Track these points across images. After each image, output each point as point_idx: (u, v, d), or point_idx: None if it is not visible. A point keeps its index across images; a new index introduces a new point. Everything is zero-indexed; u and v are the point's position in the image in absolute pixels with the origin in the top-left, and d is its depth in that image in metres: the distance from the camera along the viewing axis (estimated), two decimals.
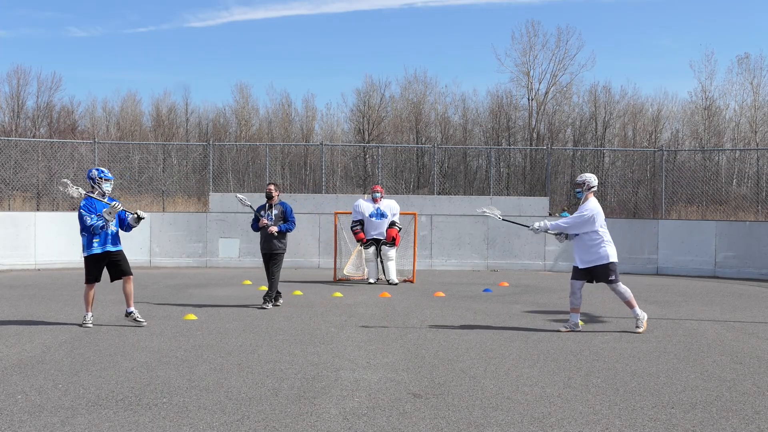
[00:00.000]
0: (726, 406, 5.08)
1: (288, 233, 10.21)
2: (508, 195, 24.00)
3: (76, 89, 71.99)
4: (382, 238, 13.13)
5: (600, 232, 8.15)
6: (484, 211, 9.03)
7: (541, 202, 17.24)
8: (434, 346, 7.18)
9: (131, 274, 8.37)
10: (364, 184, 26.81)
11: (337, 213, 14.53)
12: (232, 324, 8.41)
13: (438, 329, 8.20)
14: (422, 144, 34.20)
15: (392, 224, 13.21)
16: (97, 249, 8.13)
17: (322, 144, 19.11)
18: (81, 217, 8.07)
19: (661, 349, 7.12)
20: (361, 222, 13.20)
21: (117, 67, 58.92)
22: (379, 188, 13.37)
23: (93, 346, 6.98)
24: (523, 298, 11.42)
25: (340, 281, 13.55)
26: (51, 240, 15.76)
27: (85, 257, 8.19)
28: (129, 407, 4.90)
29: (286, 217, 10.15)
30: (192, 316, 8.80)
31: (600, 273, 8.14)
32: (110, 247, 8.21)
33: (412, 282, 13.60)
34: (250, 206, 10.51)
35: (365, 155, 30.54)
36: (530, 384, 5.64)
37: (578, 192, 8.40)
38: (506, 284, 13.44)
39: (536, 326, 8.50)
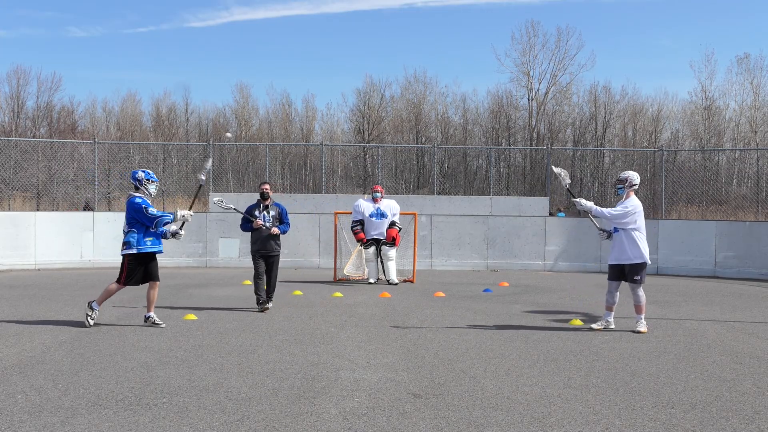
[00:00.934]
0: (726, 406, 5.08)
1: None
2: (508, 195, 24.00)
3: (76, 89, 72.15)
4: (382, 238, 13.13)
5: (639, 231, 8.23)
6: (559, 173, 8.90)
7: (541, 202, 17.24)
8: (434, 346, 7.18)
9: (159, 280, 8.36)
10: (364, 184, 26.82)
11: (337, 213, 14.53)
12: (232, 324, 8.41)
13: (438, 329, 8.20)
14: (422, 144, 34.20)
15: (392, 224, 13.21)
16: (150, 247, 8.10)
17: (322, 144, 19.11)
18: (142, 209, 7.98)
19: (661, 349, 7.12)
20: (361, 222, 13.20)
21: (117, 67, 59.02)
22: (379, 188, 13.37)
23: (93, 346, 6.98)
24: (523, 298, 11.42)
25: (340, 281, 13.55)
26: (51, 240, 15.76)
27: (132, 254, 8.06)
28: (129, 407, 4.90)
29: (282, 219, 10.06)
30: (192, 316, 8.80)
31: (632, 270, 8.21)
32: (159, 247, 8.23)
33: (412, 282, 13.60)
34: (233, 208, 10.23)
35: (365, 155, 30.56)
36: (530, 384, 5.64)
37: (620, 188, 8.45)
38: (506, 284, 13.44)
39: (536, 326, 8.50)
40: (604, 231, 8.68)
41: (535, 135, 35.91)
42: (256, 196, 16.98)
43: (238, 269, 16.00)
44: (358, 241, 13.28)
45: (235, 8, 60.56)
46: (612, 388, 5.55)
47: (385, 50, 58.97)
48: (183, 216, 8.26)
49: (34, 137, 33.73)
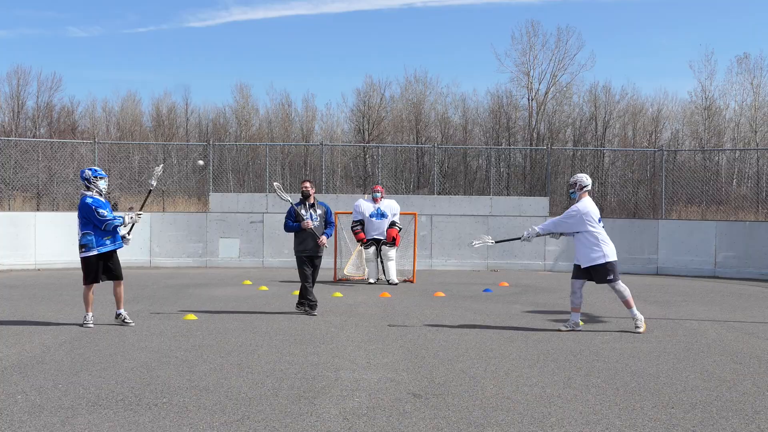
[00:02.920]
0: (726, 406, 5.08)
1: None
2: (508, 195, 24.00)
3: (76, 89, 72.07)
4: (382, 238, 13.13)
5: (594, 233, 8.11)
6: (474, 244, 9.02)
7: (541, 202, 17.24)
8: (434, 346, 7.18)
9: (122, 278, 8.39)
10: (364, 184, 26.81)
11: (337, 213, 14.50)
12: (232, 324, 8.41)
13: (438, 329, 8.20)
14: (422, 144, 34.19)
15: (392, 224, 13.21)
16: (110, 246, 8.13)
17: (322, 144, 19.11)
18: (92, 210, 7.96)
19: (661, 349, 7.12)
20: (361, 222, 13.21)
21: (117, 67, 58.96)
22: (379, 188, 13.38)
23: (93, 346, 6.98)
24: (523, 298, 11.42)
25: (340, 281, 13.55)
26: (51, 240, 15.76)
27: (89, 256, 8.07)
28: (129, 407, 4.90)
29: (327, 218, 9.58)
30: (192, 316, 8.80)
31: (598, 273, 8.13)
32: (118, 245, 8.26)
33: (412, 282, 13.60)
34: (289, 200, 9.43)
35: (365, 155, 30.55)
36: (530, 384, 5.64)
37: (572, 193, 8.40)
38: (506, 284, 13.44)
39: (536, 326, 8.50)
40: (552, 234, 8.57)
41: (535, 135, 35.89)
42: (257, 197, 17.12)
43: (238, 269, 16.00)
44: (358, 241, 13.28)
45: (235, 8, 60.53)
46: (612, 388, 5.55)
47: (385, 50, 58.95)
48: (132, 218, 8.26)
49: (34, 137, 33.73)
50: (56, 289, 11.88)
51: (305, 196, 9.47)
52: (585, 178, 8.36)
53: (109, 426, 4.50)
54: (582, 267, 8.21)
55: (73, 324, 8.25)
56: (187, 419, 4.65)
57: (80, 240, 8.09)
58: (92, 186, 8.15)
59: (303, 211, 9.34)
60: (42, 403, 4.99)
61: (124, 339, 7.39)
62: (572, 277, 8.34)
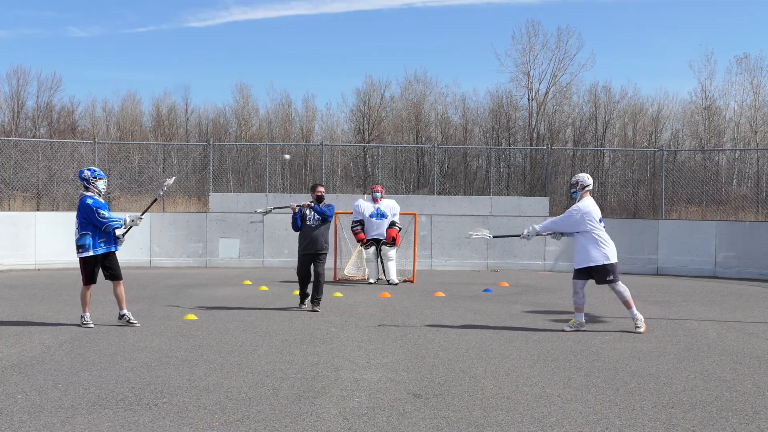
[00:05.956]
0: (726, 406, 5.08)
1: (325, 229, 9.98)
2: (508, 195, 23.99)
3: (76, 89, 72.08)
4: (382, 238, 13.13)
5: (594, 233, 8.09)
6: (471, 235, 9.01)
7: (541, 202, 17.24)
8: (434, 346, 7.18)
9: (122, 278, 8.37)
10: (364, 184, 26.80)
11: (337, 213, 14.50)
12: (232, 324, 8.41)
13: (438, 329, 8.20)
14: (422, 144, 34.18)
15: (392, 224, 13.21)
16: (105, 248, 8.12)
17: (322, 144, 19.11)
18: (94, 211, 7.96)
19: (661, 349, 7.12)
20: (361, 222, 13.21)
21: (117, 67, 58.92)
22: (379, 188, 13.38)
23: (93, 346, 6.98)
24: (523, 298, 11.42)
25: (340, 281, 13.55)
26: (51, 240, 15.76)
27: (86, 257, 8.08)
28: (129, 407, 4.90)
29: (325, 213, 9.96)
30: (192, 316, 8.79)
31: (598, 274, 8.13)
32: (113, 247, 8.23)
33: (412, 282, 13.60)
34: (273, 208, 10.78)
35: (365, 155, 30.54)
36: (530, 384, 5.64)
37: (573, 192, 8.39)
38: (506, 284, 13.44)
39: (536, 326, 8.50)
40: (553, 234, 8.57)
41: (535, 135, 35.87)
42: (257, 197, 17.12)
43: (238, 269, 16.00)
44: (358, 241, 13.28)
45: (235, 8, 60.50)
46: (612, 388, 5.55)
47: (385, 50, 58.91)
48: (132, 221, 8.25)
49: (34, 137, 33.72)
50: (56, 289, 11.88)
51: (319, 201, 10.00)
52: (586, 178, 8.35)
53: (109, 426, 4.50)
54: (582, 268, 8.21)
55: (73, 324, 8.25)
56: (187, 419, 4.65)
57: (77, 240, 8.08)
58: (91, 186, 8.14)
59: (308, 212, 9.87)
60: (42, 403, 4.99)
61: (124, 339, 7.39)
62: (573, 278, 8.34)
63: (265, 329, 8.07)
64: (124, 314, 8.24)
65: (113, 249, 8.21)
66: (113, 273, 8.26)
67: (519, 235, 8.75)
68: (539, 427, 4.56)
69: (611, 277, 8.09)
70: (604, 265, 8.07)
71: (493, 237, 9.18)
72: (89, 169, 8.27)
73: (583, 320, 8.25)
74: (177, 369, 6.02)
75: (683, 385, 5.64)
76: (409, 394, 5.29)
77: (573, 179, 8.46)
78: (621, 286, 8.15)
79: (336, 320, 8.79)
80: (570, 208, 8.29)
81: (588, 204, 8.19)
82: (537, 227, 8.53)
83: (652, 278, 15.08)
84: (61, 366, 6.12)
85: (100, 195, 8.17)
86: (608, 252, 8.10)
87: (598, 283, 8.24)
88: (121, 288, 8.30)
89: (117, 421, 4.58)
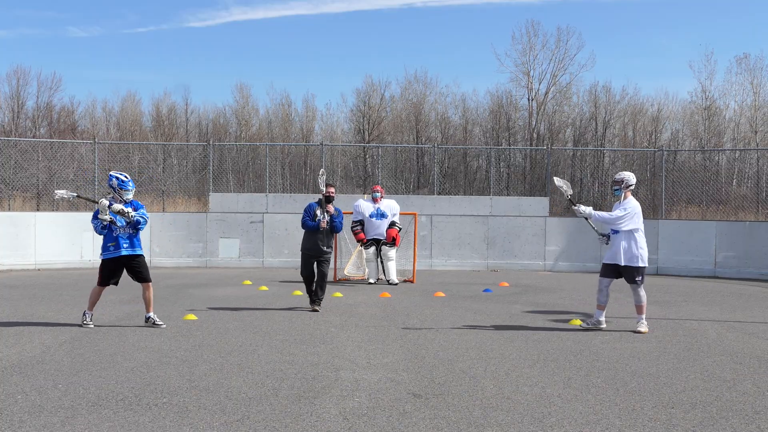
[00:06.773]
0: (726, 406, 5.08)
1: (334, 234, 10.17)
2: (508, 195, 23.99)
3: (76, 89, 72.10)
4: (382, 238, 13.13)
5: (639, 233, 8.17)
6: (561, 186, 8.71)
7: (541, 202, 17.24)
8: (434, 346, 7.18)
9: (150, 281, 8.31)
10: (364, 184, 26.80)
11: None
12: (232, 324, 8.41)
13: (438, 329, 8.20)
14: (422, 144, 34.17)
15: (392, 224, 13.22)
16: (113, 252, 8.12)
17: (322, 144, 19.11)
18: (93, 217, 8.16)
19: (661, 349, 7.12)
20: (361, 222, 13.21)
21: (117, 67, 58.92)
22: (379, 188, 13.38)
23: (93, 346, 6.98)
24: (523, 298, 11.42)
25: (340, 281, 13.55)
26: (51, 240, 15.76)
27: (103, 259, 8.22)
28: (129, 407, 4.90)
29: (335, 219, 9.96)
30: (192, 316, 8.79)
31: (629, 273, 8.18)
32: (126, 252, 8.13)
33: (412, 282, 13.60)
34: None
35: (365, 155, 30.54)
36: (530, 384, 5.64)
37: (616, 190, 8.36)
38: (506, 284, 13.44)
39: (536, 326, 8.50)
40: (603, 236, 8.56)
41: (535, 135, 35.87)
42: (257, 197, 17.11)
43: (238, 269, 16.00)
44: (358, 241, 13.28)
45: (235, 8, 60.49)
46: (612, 388, 5.55)
47: (385, 50, 58.91)
48: (101, 203, 7.95)
49: (34, 137, 33.72)
50: (56, 289, 11.88)
51: (328, 201, 9.94)
52: (631, 177, 8.36)
53: (109, 426, 4.50)
54: (612, 263, 8.23)
55: (73, 324, 8.25)
56: (187, 419, 4.65)
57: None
58: (115, 195, 8.19)
59: (319, 212, 9.81)
60: (42, 403, 4.99)
61: (124, 339, 7.39)
62: (601, 275, 8.40)
63: (265, 329, 8.07)
64: (150, 317, 8.22)
65: (118, 254, 8.14)
66: (140, 276, 8.23)
67: (575, 205, 8.52)
68: (539, 427, 4.56)
69: (639, 279, 8.17)
70: (639, 267, 8.16)
71: (569, 197, 8.79)
72: (118, 180, 8.19)
73: (603, 318, 8.28)
74: (177, 369, 6.02)
75: (683, 385, 5.65)
76: (409, 394, 5.29)
77: (617, 176, 8.41)
78: (643, 291, 8.23)
79: (336, 320, 8.79)
80: (623, 206, 8.20)
81: (637, 204, 8.25)
82: (593, 212, 8.34)
83: (652, 278, 15.07)
84: (61, 366, 6.12)
85: (118, 202, 8.16)
86: (645, 255, 8.22)
87: (627, 281, 8.26)
88: (150, 292, 8.24)
89: (117, 421, 4.59)
